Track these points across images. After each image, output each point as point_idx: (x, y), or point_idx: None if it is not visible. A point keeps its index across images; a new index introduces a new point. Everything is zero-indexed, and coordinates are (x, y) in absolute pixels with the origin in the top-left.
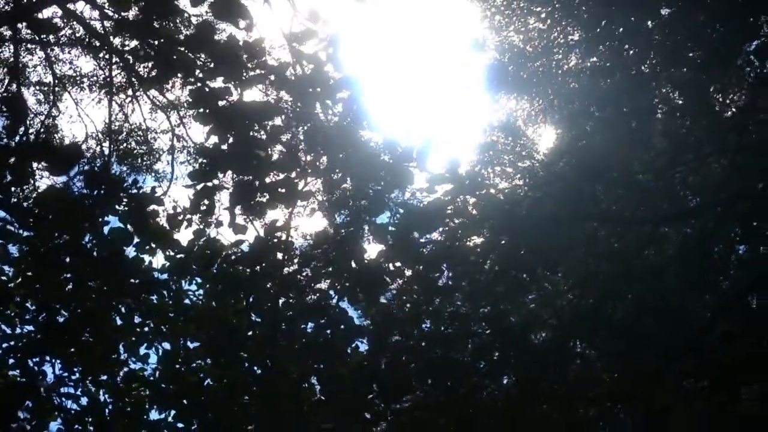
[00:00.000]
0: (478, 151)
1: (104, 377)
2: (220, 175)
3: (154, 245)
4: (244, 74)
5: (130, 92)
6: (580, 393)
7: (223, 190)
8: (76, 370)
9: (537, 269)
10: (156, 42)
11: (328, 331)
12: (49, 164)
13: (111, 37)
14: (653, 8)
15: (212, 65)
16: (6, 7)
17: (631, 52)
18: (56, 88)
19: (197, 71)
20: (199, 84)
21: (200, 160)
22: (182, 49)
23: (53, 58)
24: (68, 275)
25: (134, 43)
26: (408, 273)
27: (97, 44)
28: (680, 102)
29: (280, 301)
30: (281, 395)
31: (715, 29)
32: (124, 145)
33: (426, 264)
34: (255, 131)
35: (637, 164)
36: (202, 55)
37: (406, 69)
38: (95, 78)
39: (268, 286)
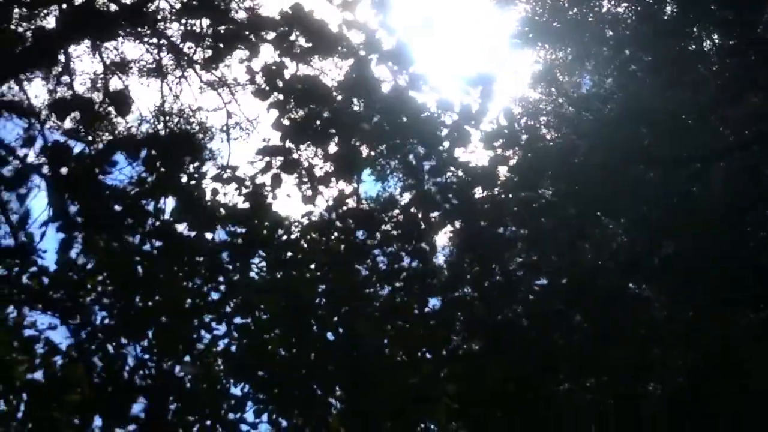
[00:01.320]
0: (519, 104)
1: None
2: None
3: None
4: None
5: (178, 73)
6: (645, 335)
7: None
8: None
9: (595, 215)
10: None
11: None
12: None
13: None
14: None
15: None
16: None
17: None
18: (107, 75)
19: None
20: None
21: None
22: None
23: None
24: (138, 259)
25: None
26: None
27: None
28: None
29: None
30: (363, 362)
31: None
32: (177, 125)
33: (489, 219)
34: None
35: (685, 105)
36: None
37: (442, 26)
38: (143, 62)
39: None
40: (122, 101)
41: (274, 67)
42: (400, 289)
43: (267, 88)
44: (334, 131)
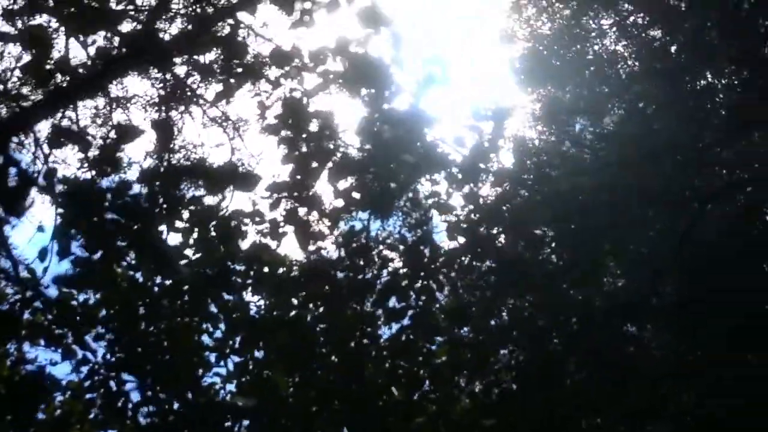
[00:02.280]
0: (522, 143)
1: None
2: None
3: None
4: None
5: (182, 108)
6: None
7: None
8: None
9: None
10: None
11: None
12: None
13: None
14: None
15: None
16: None
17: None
18: (111, 108)
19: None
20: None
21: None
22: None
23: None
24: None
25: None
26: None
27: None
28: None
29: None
30: (367, 402)
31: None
32: (180, 160)
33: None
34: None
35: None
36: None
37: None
38: (147, 97)
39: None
40: (166, 129)
41: (291, 102)
42: (407, 327)
43: (279, 122)
44: (347, 168)
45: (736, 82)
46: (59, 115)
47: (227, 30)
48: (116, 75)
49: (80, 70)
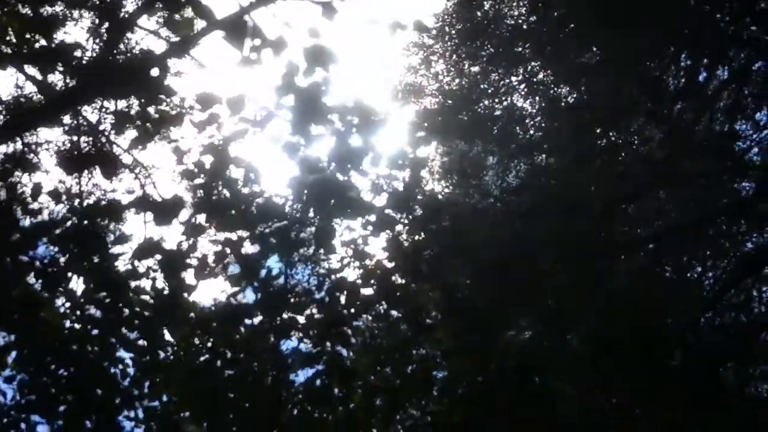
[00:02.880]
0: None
1: None
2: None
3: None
4: None
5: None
6: None
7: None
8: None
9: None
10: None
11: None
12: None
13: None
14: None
15: None
16: None
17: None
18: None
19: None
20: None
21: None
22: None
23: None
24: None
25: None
26: None
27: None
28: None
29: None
30: None
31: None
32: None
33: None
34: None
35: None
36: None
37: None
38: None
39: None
40: (109, 161)
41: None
42: (321, 372)
43: (196, 170)
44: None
45: (651, 138)
46: None
47: (153, 74)
48: (32, 124)
49: None
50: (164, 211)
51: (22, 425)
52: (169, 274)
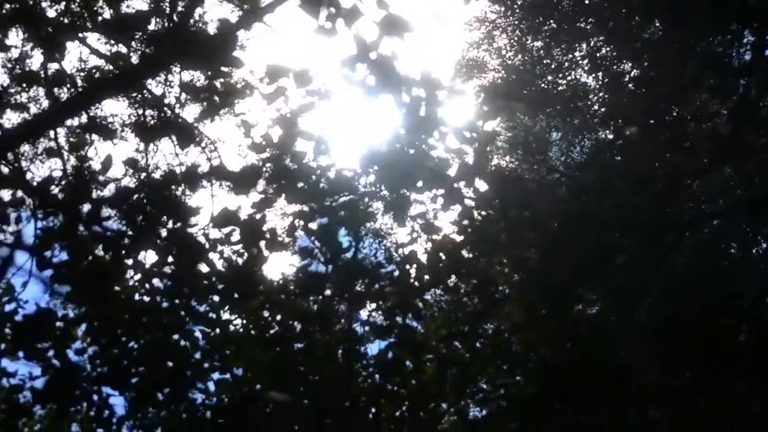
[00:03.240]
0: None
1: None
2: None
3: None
4: None
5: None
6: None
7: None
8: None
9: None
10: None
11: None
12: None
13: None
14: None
15: None
16: None
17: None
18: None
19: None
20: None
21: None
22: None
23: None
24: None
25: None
26: None
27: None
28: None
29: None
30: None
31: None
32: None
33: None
34: None
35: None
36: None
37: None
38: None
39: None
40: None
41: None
42: (393, 344)
43: (264, 143)
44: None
45: (716, 113)
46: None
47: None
48: (100, 97)
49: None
50: (242, 181)
51: (95, 397)
52: (248, 244)
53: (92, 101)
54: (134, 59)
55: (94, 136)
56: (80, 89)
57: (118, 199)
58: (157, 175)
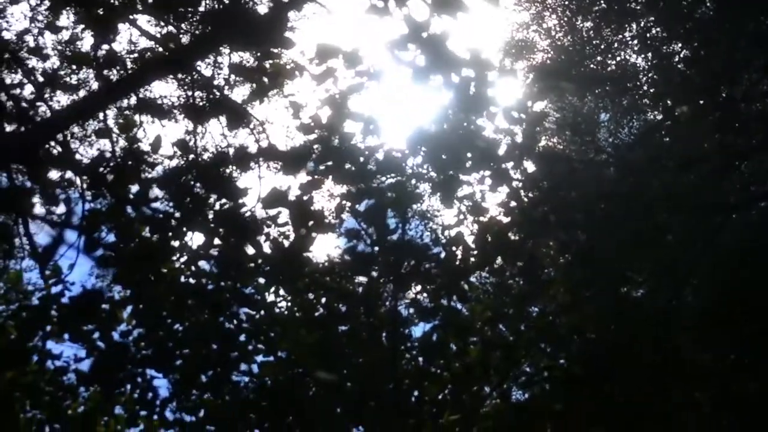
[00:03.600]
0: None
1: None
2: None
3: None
4: None
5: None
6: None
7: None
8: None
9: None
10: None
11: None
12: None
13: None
14: None
15: None
16: None
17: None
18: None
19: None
20: None
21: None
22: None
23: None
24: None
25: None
26: None
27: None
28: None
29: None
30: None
31: None
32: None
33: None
34: None
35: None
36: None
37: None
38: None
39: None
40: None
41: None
42: (438, 326)
43: (312, 124)
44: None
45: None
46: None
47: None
48: (150, 78)
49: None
50: (291, 162)
51: (139, 379)
52: (296, 225)
53: (142, 83)
54: (184, 40)
55: (144, 117)
56: (130, 71)
57: (166, 180)
58: (206, 156)
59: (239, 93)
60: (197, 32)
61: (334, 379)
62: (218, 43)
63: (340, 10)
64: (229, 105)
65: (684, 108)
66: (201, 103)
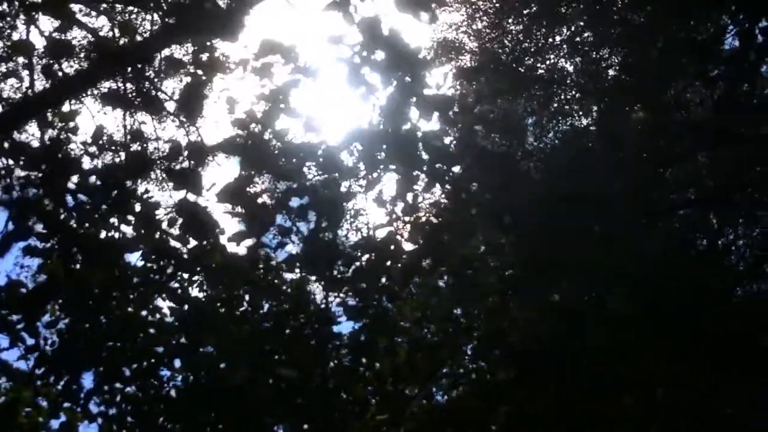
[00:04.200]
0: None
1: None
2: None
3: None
4: None
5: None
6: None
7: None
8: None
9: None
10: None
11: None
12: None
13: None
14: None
15: None
16: None
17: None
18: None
19: None
20: None
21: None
22: None
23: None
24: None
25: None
26: None
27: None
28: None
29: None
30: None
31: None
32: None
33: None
34: None
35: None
36: None
37: None
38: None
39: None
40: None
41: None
42: (367, 326)
43: (247, 119)
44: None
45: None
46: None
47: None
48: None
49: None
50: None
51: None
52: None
53: (98, 77)
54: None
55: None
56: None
57: (95, 171)
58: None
59: (169, 85)
60: (158, 22)
61: (294, 374)
62: (180, 35)
63: (302, 5)
64: (148, 94)
65: (611, 114)
66: (118, 92)
